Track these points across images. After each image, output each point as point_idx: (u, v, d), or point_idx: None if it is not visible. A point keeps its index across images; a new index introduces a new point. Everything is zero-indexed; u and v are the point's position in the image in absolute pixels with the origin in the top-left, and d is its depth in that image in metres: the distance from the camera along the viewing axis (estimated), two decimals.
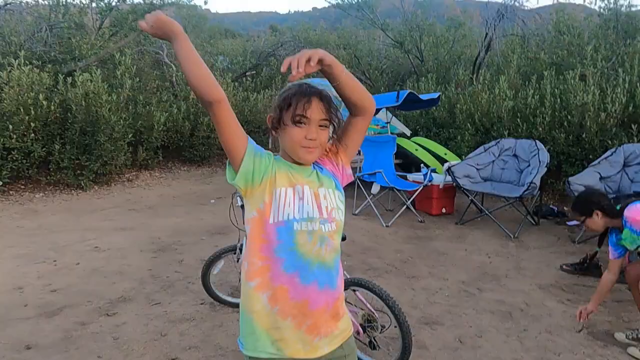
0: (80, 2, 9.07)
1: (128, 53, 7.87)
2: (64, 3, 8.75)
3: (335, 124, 1.42)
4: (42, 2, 9.00)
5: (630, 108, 5.92)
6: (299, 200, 1.35)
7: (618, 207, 2.84)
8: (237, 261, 3.16)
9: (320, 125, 1.37)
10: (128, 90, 7.51)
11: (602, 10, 9.33)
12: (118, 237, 4.83)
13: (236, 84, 9.95)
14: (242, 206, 3.00)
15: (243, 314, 1.39)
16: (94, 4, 9.03)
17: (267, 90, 10.15)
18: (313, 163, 1.46)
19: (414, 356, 2.56)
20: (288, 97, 1.37)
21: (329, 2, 11.52)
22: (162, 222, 5.42)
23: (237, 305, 3.28)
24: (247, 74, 11.26)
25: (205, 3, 15.66)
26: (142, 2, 9.51)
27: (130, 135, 7.15)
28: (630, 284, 2.97)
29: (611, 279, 2.90)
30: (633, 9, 9.38)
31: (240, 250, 3.10)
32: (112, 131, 6.84)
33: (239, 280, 3.14)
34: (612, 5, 9.06)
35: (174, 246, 4.59)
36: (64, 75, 6.84)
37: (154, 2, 9.46)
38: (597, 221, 2.85)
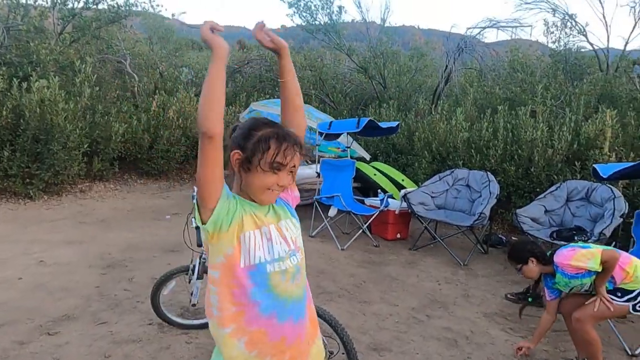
0: (42, 5, 8.84)
1: (89, 61, 7.71)
2: (23, 4, 8.51)
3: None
4: (0, 2, 8.72)
5: (575, 146, 6.28)
6: (267, 241, 1.35)
7: (548, 254, 3.02)
8: (189, 282, 3.13)
9: (291, 171, 1.38)
10: (87, 99, 7.34)
11: (553, 50, 9.91)
12: (66, 251, 4.67)
13: (199, 98, 9.87)
14: (197, 227, 3.00)
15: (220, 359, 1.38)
16: (56, 9, 8.81)
17: (230, 106, 10.13)
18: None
19: None
20: (265, 140, 1.32)
21: (296, 24, 11.69)
22: (114, 236, 5.28)
23: (186, 327, 3.24)
24: None
25: (173, 15, 15.52)
26: (106, 9, 9.35)
27: (85, 145, 6.97)
28: (565, 315, 3.13)
29: (549, 319, 3.08)
30: (582, 50, 10.03)
31: (193, 271, 3.08)
32: (66, 140, 6.64)
33: (190, 301, 3.13)
34: (562, 47, 9.65)
35: (124, 263, 4.48)
36: (19, 80, 6.62)
37: (119, 10, 9.32)
38: (533, 268, 3.03)
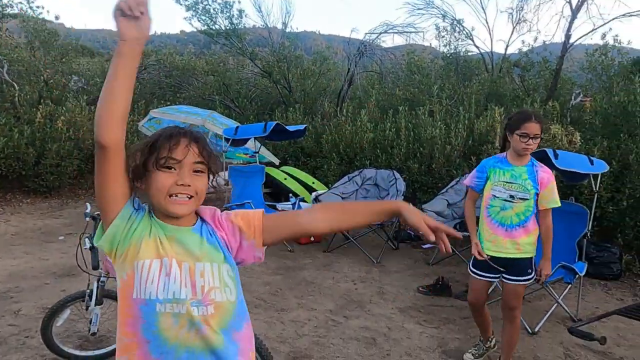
0: None
1: None
2: None
3: (213, 171, 1.23)
4: None
5: (470, 141, 6.72)
6: (165, 276, 1.14)
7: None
8: (87, 309, 2.82)
9: (195, 171, 1.18)
10: None
11: (445, 53, 10.59)
12: None
13: (93, 107, 9.15)
14: (92, 248, 2.71)
15: None
16: None
17: (128, 116, 9.49)
18: (203, 227, 1.23)
19: None
20: (154, 139, 1.18)
21: (196, 29, 11.30)
22: None
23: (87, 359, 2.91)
24: None
25: (57, 18, 14.31)
26: None
27: None
28: (471, 304, 3.10)
29: (469, 203, 3.02)
30: (470, 53, 10.83)
31: (90, 297, 2.77)
32: None
33: (89, 330, 2.81)
34: (452, 50, 10.33)
35: (9, 294, 3.95)
36: None
37: None
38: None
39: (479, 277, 2.98)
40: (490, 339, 3.23)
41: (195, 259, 1.18)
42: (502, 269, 2.87)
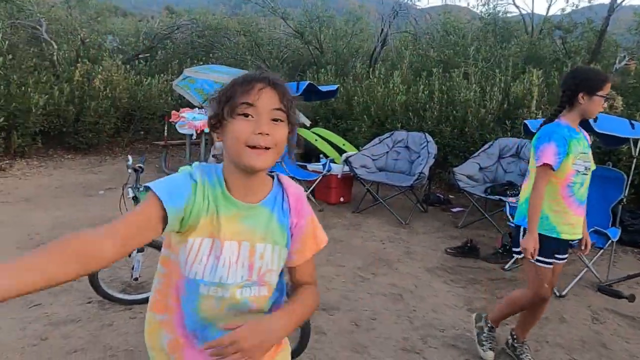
0: None
1: None
2: None
3: (291, 122, 1.10)
4: None
5: (505, 105, 6.57)
6: (215, 259, 1.07)
7: None
8: (129, 256, 2.99)
9: (274, 119, 1.05)
10: None
11: (483, 14, 10.22)
12: None
13: (127, 66, 9.32)
14: (135, 197, 2.85)
15: (147, 347, 1.22)
16: None
17: (162, 74, 9.62)
18: (278, 200, 1.14)
19: (312, 342, 2.63)
20: (228, 87, 1.07)
21: None
22: (41, 215, 4.93)
23: (129, 302, 3.11)
24: (140, 56, 10.59)
25: None
26: None
27: (1, 119, 6.39)
28: (546, 298, 2.57)
29: (542, 187, 2.41)
30: (508, 15, 10.40)
31: None
32: None
33: (131, 276, 2.99)
34: (491, 11, 9.95)
35: None
36: None
37: None
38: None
39: (560, 261, 2.57)
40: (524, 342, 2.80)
41: (258, 239, 1.10)
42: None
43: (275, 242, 1.12)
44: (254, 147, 1.03)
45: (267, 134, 1.03)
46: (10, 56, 7.11)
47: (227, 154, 1.09)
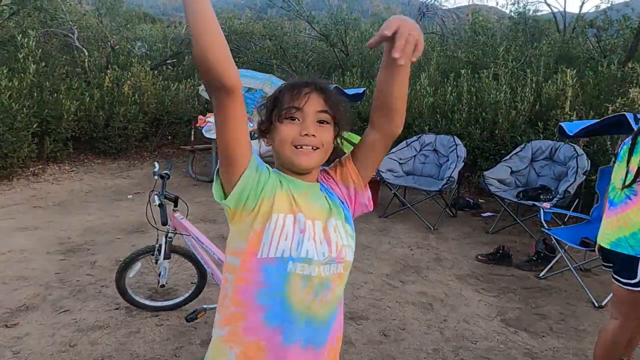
0: None
1: (32, 35, 7.18)
2: None
3: (339, 123, 1.15)
4: None
5: (537, 106, 6.36)
6: (300, 233, 1.07)
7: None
8: (156, 263, 2.98)
9: (320, 121, 1.11)
10: (32, 76, 6.86)
11: (512, 13, 9.97)
12: (20, 238, 4.39)
13: (155, 72, 9.46)
14: (161, 205, 2.84)
15: None
16: None
17: (189, 79, 9.73)
18: (321, 185, 1.17)
19: (340, 352, 2.56)
20: (276, 93, 1.14)
21: None
22: (72, 220, 5.02)
23: (156, 309, 3.11)
24: (168, 61, 10.74)
25: None
26: None
27: (35, 125, 6.55)
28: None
29: None
30: (539, 13, 10.13)
31: (159, 251, 2.93)
32: (13, 120, 6.21)
33: (158, 282, 2.99)
34: (521, 10, 9.70)
35: (85, 246, 4.26)
36: None
37: None
38: None
39: None
40: None
41: (327, 216, 1.12)
42: None
43: (338, 217, 1.14)
44: (300, 148, 1.09)
45: (314, 135, 1.09)
46: (43, 63, 7.29)
47: (276, 158, 1.15)
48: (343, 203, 1.18)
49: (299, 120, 1.09)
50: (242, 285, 1.08)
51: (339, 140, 1.18)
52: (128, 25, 11.99)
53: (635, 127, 3.35)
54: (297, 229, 1.07)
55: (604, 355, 2.38)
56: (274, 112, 1.11)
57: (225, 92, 0.96)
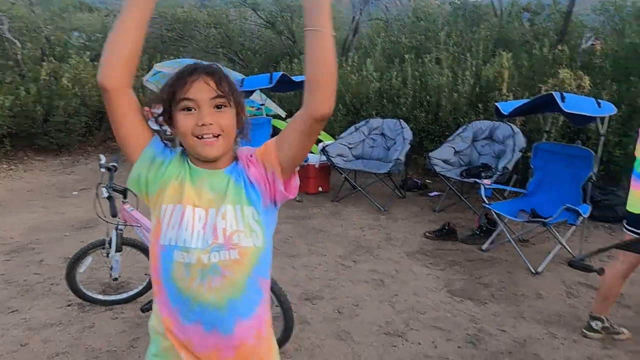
0: None
1: None
2: None
3: (237, 104, 1.14)
4: None
5: (477, 89, 6.64)
6: (180, 222, 1.11)
7: None
8: (107, 256, 2.95)
9: (217, 106, 1.09)
10: None
11: None
12: None
13: (96, 63, 9.09)
14: (109, 197, 2.81)
15: (150, 332, 1.24)
16: None
17: None
18: (233, 166, 1.17)
19: (296, 331, 2.65)
20: (167, 85, 1.12)
21: None
22: (13, 219, 4.82)
23: (110, 303, 3.08)
24: None
25: None
26: None
27: None
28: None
29: None
30: None
31: (110, 244, 2.90)
32: None
33: (110, 276, 2.96)
34: None
35: (30, 246, 4.12)
36: None
37: None
38: None
39: None
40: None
41: (220, 202, 1.13)
42: None
43: (236, 202, 1.14)
44: (201, 137, 1.09)
45: (211, 124, 1.09)
46: None
47: (184, 146, 1.16)
48: (255, 186, 1.16)
49: (194, 109, 1.09)
50: (154, 265, 1.16)
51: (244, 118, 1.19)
52: (64, 15, 11.43)
53: (561, 105, 3.62)
54: (179, 218, 1.11)
55: (610, 288, 2.80)
56: (171, 104, 1.11)
57: (102, 90, 1.06)
